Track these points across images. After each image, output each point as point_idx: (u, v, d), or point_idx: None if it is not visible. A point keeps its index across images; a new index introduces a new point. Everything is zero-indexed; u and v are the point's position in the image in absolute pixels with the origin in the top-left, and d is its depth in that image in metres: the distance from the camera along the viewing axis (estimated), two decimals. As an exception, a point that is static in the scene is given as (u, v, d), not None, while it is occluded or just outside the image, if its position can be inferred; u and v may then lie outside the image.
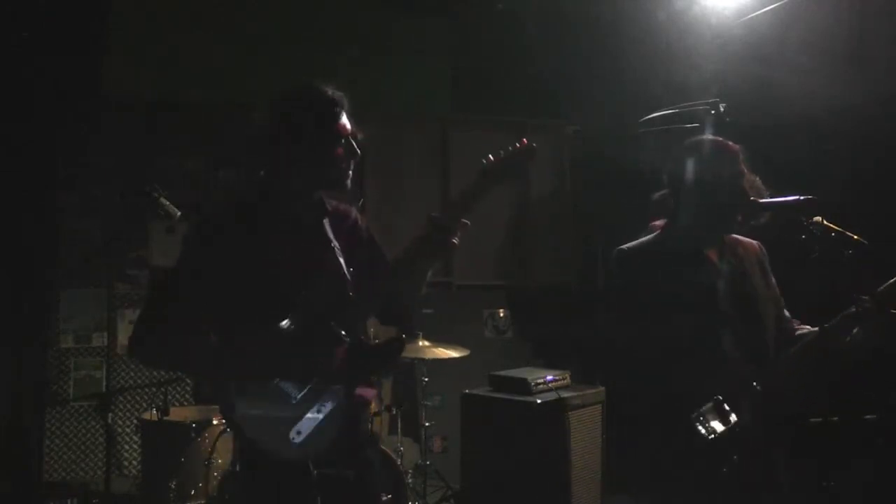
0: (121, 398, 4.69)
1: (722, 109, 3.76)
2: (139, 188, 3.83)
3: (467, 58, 5.75)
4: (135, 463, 4.81)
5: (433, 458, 4.45)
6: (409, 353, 4.03)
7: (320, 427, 1.99)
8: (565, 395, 3.81)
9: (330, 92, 2.05)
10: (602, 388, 3.98)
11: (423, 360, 4.17)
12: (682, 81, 4.27)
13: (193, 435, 3.73)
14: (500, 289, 5.65)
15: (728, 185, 2.46)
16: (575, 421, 3.79)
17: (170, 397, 4.09)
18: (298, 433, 1.96)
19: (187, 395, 4.85)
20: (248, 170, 2.30)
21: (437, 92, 5.74)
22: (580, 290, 5.51)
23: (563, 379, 3.95)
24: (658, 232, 2.61)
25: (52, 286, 4.82)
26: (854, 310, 2.33)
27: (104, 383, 4.55)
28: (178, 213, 3.79)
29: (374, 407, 3.96)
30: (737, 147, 2.53)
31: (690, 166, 2.51)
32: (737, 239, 2.61)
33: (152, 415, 3.83)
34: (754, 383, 2.40)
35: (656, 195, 2.64)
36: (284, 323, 1.98)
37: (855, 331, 2.35)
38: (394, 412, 4.32)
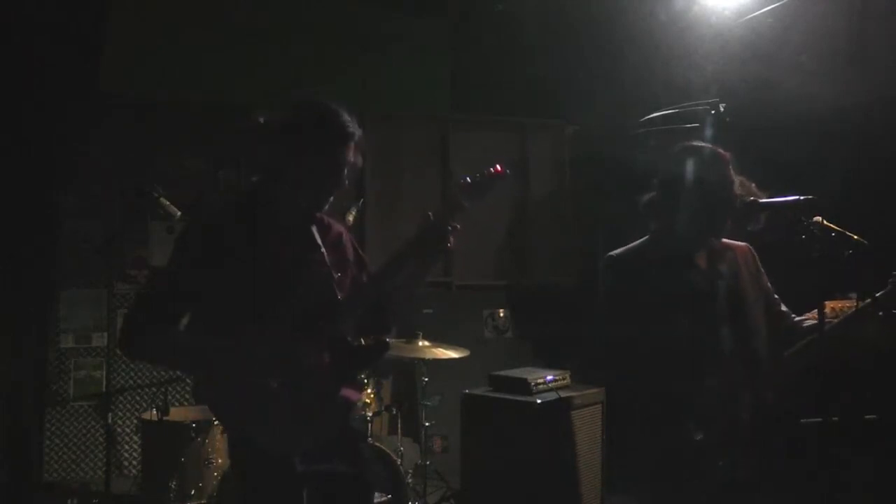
0: (121, 398, 4.69)
1: (722, 109, 3.77)
2: (139, 188, 3.83)
3: (467, 58, 5.75)
4: (135, 463, 4.81)
5: (433, 458, 4.45)
6: (409, 353, 4.03)
7: (308, 425, 2.01)
8: (565, 395, 3.81)
9: (347, 121, 2.07)
10: (602, 388, 3.98)
11: (423, 360, 4.17)
12: (682, 81, 4.28)
13: (193, 435, 3.73)
14: (500, 289, 5.65)
15: (717, 190, 2.48)
16: (575, 421, 3.79)
17: (170, 397, 4.09)
18: (288, 431, 1.97)
19: (187, 395, 4.86)
20: (247, 170, 2.33)
21: (436, 92, 5.73)
22: (580, 290, 5.51)
23: (563, 379, 3.95)
24: (648, 236, 2.63)
25: (52, 286, 4.82)
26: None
27: (104, 383, 4.55)
28: (178, 213, 3.79)
29: (373, 407, 3.99)
30: (727, 154, 2.56)
31: (680, 171, 2.54)
32: (726, 243, 2.64)
33: (152, 415, 3.83)
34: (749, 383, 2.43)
35: (645, 198, 2.66)
36: (271, 322, 2.00)
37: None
38: (394, 412, 4.32)
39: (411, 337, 4.08)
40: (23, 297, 4.61)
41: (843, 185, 3.61)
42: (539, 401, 3.72)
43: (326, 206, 2.16)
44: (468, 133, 5.53)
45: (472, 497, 3.99)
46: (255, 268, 2.03)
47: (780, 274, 2.72)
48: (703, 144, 2.59)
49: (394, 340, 3.95)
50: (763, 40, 4.19)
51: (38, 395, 4.75)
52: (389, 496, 3.72)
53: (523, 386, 3.81)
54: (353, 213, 4.04)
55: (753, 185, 2.57)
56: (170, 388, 4.16)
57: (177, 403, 4.72)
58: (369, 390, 3.97)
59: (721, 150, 2.56)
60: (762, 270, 2.68)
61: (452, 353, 4.11)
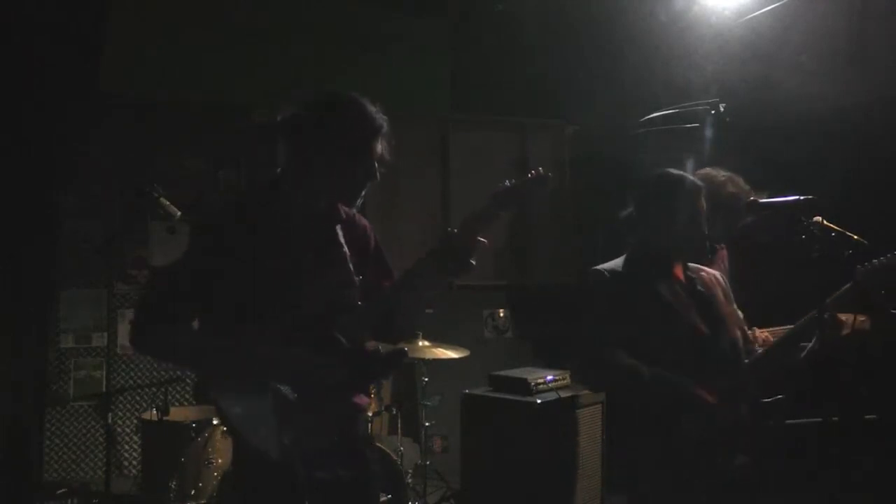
0: (121, 398, 4.69)
1: (722, 109, 3.77)
2: (139, 188, 3.83)
3: (467, 58, 5.74)
4: (135, 463, 4.81)
5: (433, 458, 4.45)
6: (409, 353, 4.02)
7: (316, 430, 1.99)
8: (565, 395, 3.81)
9: (374, 113, 2.04)
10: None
11: (423, 360, 4.17)
12: (682, 81, 4.28)
13: (193, 435, 3.73)
14: (500, 289, 5.64)
15: (686, 222, 2.57)
16: (575, 421, 3.79)
17: (170, 397, 4.09)
18: (295, 435, 1.96)
19: (187, 395, 4.86)
20: (261, 164, 2.29)
21: (436, 92, 5.73)
22: (580, 290, 5.51)
23: (563, 379, 3.95)
24: (627, 253, 2.70)
25: (52, 286, 4.82)
26: (814, 316, 2.45)
27: (104, 383, 4.55)
28: (178, 213, 3.78)
29: (373, 407, 3.99)
30: (700, 184, 2.63)
31: (653, 197, 2.62)
32: (698, 268, 2.73)
33: (152, 415, 3.83)
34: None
35: (623, 213, 2.71)
36: (285, 325, 1.97)
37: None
38: (394, 412, 4.32)
39: (411, 337, 4.08)
40: (23, 297, 4.61)
41: (843, 185, 3.61)
42: (539, 401, 3.72)
43: (360, 201, 2.11)
44: (468, 133, 5.53)
45: (472, 497, 3.99)
46: (273, 270, 1.98)
47: (780, 274, 2.73)
48: (678, 174, 2.64)
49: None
50: (763, 40, 4.19)
51: (38, 395, 4.75)
52: (389, 496, 3.71)
53: (523, 386, 3.81)
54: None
55: (752, 192, 2.63)
56: (170, 388, 4.16)
57: (177, 403, 4.72)
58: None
59: (695, 181, 2.63)
60: (732, 296, 2.77)
61: (452, 354, 4.11)
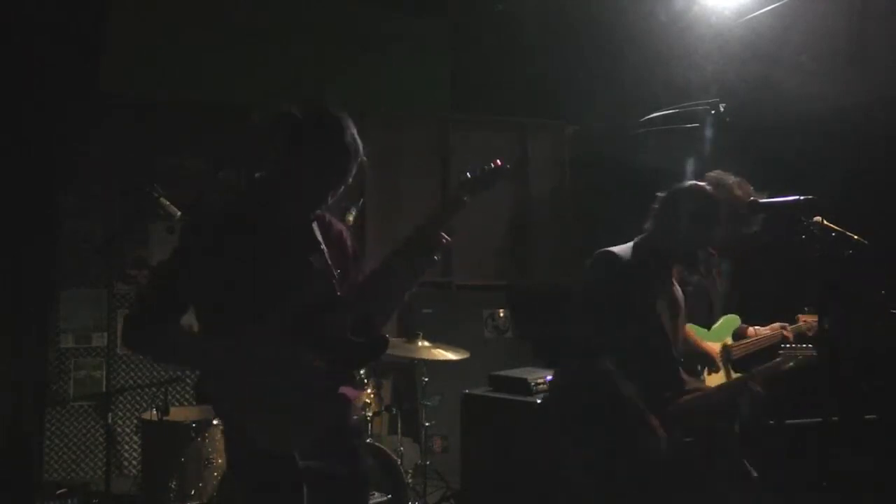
0: (121, 398, 4.68)
1: (722, 109, 3.77)
2: (139, 188, 3.83)
3: (467, 58, 5.75)
4: (135, 463, 4.81)
5: (433, 458, 4.45)
6: (409, 353, 4.02)
7: (305, 423, 2.02)
8: (565, 395, 3.81)
9: (351, 139, 2.07)
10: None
11: (423, 360, 4.17)
12: (682, 81, 4.28)
13: (193, 435, 3.73)
14: (500, 289, 5.64)
15: (701, 243, 2.66)
16: (575, 421, 3.79)
17: (170, 397, 4.08)
18: (284, 428, 1.98)
19: (187, 395, 4.86)
20: (248, 169, 2.34)
21: (436, 92, 5.73)
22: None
23: (563, 379, 3.95)
24: (636, 241, 2.73)
25: (52, 286, 4.82)
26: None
27: (104, 383, 4.55)
28: (178, 213, 3.78)
29: (374, 407, 3.99)
30: (725, 210, 2.66)
31: (679, 210, 2.65)
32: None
33: (152, 415, 3.82)
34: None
35: (657, 198, 2.71)
36: (270, 320, 2.01)
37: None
38: (394, 412, 4.32)
39: (411, 337, 4.08)
40: (23, 297, 4.61)
41: (843, 185, 3.61)
42: (539, 401, 3.72)
43: (326, 206, 2.16)
44: (468, 133, 5.53)
45: (472, 497, 3.99)
46: (255, 266, 2.04)
47: (780, 274, 2.74)
48: (707, 193, 2.66)
49: (394, 340, 3.95)
50: (763, 40, 4.19)
51: (38, 395, 4.74)
52: (389, 496, 3.71)
53: (523, 386, 3.81)
54: (353, 213, 4.04)
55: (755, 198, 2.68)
56: (170, 388, 4.16)
57: (177, 403, 4.71)
58: (369, 390, 3.97)
59: (724, 208, 2.67)
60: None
61: (452, 354, 4.11)
